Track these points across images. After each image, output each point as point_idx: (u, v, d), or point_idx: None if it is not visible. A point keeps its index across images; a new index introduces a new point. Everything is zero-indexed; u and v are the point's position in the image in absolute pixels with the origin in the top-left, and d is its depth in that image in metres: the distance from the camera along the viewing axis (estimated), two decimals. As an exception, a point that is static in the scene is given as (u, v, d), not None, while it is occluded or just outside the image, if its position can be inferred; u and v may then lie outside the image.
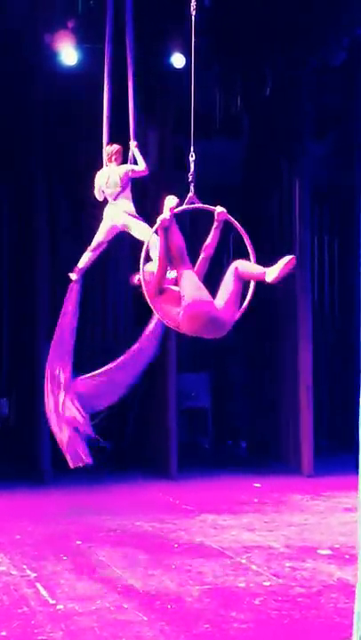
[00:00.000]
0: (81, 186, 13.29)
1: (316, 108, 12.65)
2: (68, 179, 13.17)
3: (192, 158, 6.58)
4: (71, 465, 7.81)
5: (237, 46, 11.78)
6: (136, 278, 6.56)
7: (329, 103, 13.30)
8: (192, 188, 6.50)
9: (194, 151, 6.63)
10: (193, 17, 6.88)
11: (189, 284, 6.13)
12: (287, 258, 6.19)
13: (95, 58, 11.21)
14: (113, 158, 7.85)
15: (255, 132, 13.42)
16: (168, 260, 6.26)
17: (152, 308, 6.36)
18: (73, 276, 8.14)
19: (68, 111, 12.16)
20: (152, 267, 6.40)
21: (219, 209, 6.45)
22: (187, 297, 6.10)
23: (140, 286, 6.40)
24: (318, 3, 11.14)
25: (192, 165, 6.56)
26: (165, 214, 6.20)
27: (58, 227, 13.30)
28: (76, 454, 7.82)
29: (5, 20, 10.70)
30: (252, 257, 6.47)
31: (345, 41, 11.53)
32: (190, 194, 6.51)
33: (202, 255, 6.50)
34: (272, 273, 6.19)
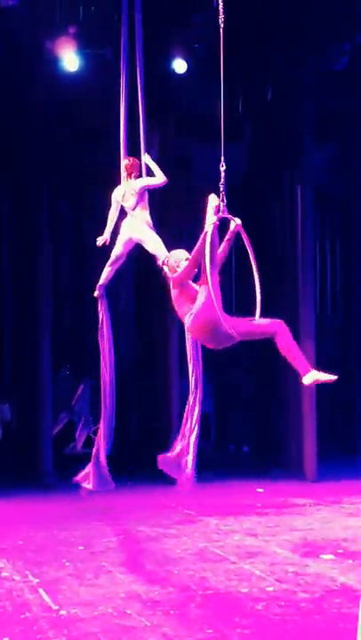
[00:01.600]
0: (81, 186, 13.41)
1: (318, 112, 12.66)
2: (69, 179, 13.20)
3: (223, 168, 6.58)
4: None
5: (239, 50, 11.79)
6: (160, 261, 6.98)
7: (331, 107, 13.31)
8: (223, 197, 6.50)
9: (224, 161, 6.63)
10: (221, 29, 6.91)
11: (208, 292, 6.25)
12: (331, 377, 6.26)
13: (95, 62, 11.28)
14: (130, 173, 7.87)
15: (257, 135, 13.43)
16: (198, 262, 6.42)
17: (172, 296, 6.61)
18: (95, 293, 8.14)
19: (68, 112, 12.18)
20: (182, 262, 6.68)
21: (238, 220, 6.52)
22: (199, 302, 6.30)
23: (163, 269, 6.86)
24: (318, 6, 11.15)
25: (223, 175, 6.56)
26: (212, 219, 6.31)
27: (58, 227, 13.31)
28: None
29: (7, 24, 10.72)
30: (256, 275, 6.46)
31: (347, 46, 11.54)
32: (222, 203, 6.50)
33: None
34: (310, 378, 6.25)
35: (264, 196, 13.08)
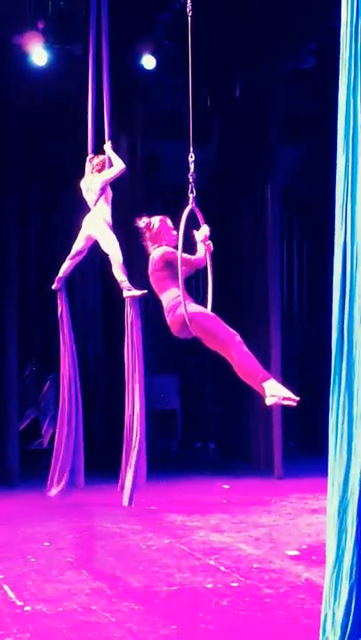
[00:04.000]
0: (54, 186, 13.34)
1: (287, 113, 12.69)
2: (42, 178, 13.13)
3: (192, 159, 6.53)
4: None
5: (207, 50, 11.79)
6: (142, 221, 6.67)
7: (301, 108, 13.35)
8: (192, 188, 6.42)
9: (193, 151, 6.57)
10: (189, 18, 6.89)
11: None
12: (293, 400, 5.76)
13: (65, 58, 11.25)
14: (97, 169, 7.87)
15: (226, 135, 13.44)
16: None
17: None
18: (54, 285, 8.14)
19: (40, 111, 12.12)
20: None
21: (206, 231, 6.45)
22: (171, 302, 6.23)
23: (143, 230, 6.61)
24: (288, 5, 11.18)
25: (192, 166, 6.49)
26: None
27: (24, 226, 13.21)
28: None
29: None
30: (210, 271, 6.40)
31: (312, 46, 11.59)
32: (191, 195, 6.43)
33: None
34: (272, 391, 5.78)
35: (233, 197, 13.09)
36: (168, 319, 6.29)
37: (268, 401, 5.77)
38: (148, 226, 6.65)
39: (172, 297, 6.26)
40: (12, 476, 11.30)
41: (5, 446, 11.44)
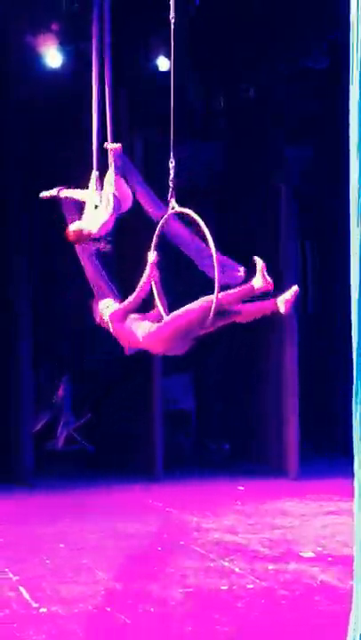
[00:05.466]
0: (55, 186, 13.27)
1: (298, 113, 12.66)
2: (42, 178, 13.08)
3: (172, 164, 6.41)
4: None
5: (215, 49, 11.79)
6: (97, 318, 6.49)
7: (311, 107, 13.31)
8: (172, 192, 6.32)
9: (173, 156, 6.45)
10: (172, 23, 6.84)
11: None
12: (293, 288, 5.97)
13: (78, 59, 11.25)
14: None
15: (235, 134, 13.41)
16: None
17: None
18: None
19: (40, 110, 12.10)
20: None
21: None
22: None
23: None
24: (296, 5, 11.17)
25: (172, 172, 6.37)
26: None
27: (31, 227, 13.17)
28: None
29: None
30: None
31: (325, 45, 11.57)
32: (173, 199, 6.34)
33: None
34: (284, 298, 5.96)
35: (239, 196, 13.03)
36: (156, 337, 6.15)
37: (282, 309, 5.95)
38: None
39: (146, 325, 6.18)
40: (27, 477, 11.31)
41: (20, 448, 11.45)
